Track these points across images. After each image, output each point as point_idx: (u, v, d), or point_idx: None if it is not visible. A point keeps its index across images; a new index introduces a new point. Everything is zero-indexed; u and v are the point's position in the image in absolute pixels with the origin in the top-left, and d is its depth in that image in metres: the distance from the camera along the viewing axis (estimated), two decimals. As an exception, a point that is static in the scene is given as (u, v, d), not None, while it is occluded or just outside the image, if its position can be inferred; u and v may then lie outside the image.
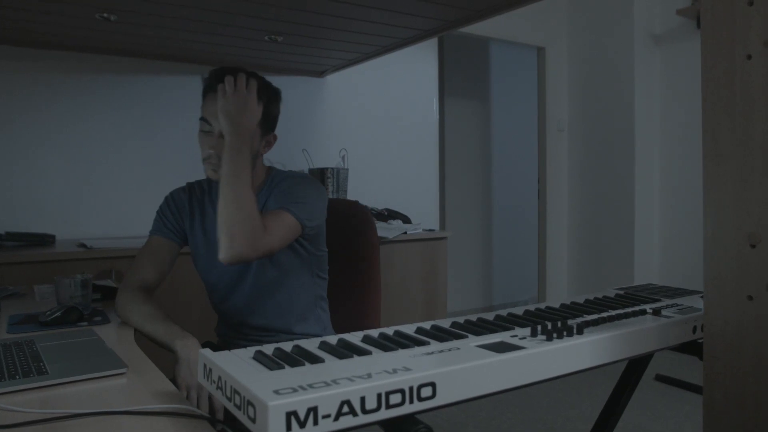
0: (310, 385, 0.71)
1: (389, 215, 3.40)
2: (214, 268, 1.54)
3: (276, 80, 3.46)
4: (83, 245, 2.43)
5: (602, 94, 4.39)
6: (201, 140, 1.48)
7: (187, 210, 1.58)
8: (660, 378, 3.31)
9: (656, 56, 4.23)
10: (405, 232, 3.10)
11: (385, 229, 3.10)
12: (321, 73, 3.40)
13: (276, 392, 0.68)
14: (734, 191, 0.93)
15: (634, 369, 1.42)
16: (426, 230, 3.30)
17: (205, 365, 0.85)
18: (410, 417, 0.75)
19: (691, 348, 1.18)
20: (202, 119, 1.47)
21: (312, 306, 1.60)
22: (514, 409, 2.91)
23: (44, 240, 2.51)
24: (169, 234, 1.55)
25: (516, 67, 5.16)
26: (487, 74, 5.24)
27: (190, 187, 1.62)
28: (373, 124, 3.69)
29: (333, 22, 2.37)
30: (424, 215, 3.83)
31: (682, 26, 4.04)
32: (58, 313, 1.40)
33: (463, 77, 5.06)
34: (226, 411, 0.77)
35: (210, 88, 1.45)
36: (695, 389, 3.04)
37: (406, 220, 3.42)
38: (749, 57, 0.91)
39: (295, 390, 0.69)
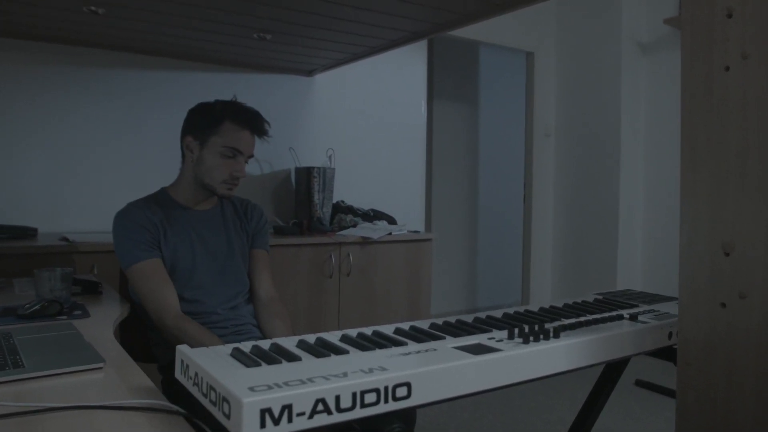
0: (286, 383, 0.71)
1: (375, 216, 3.40)
2: (198, 271, 1.66)
3: (264, 78, 3.47)
4: (65, 239, 2.41)
5: (589, 100, 4.43)
6: (224, 163, 1.64)
7: (157, 224, 1.63)
8: (640, 383, 3.34)
9: (643, 64, 4.27)
10: (390, 233, 3.11)
11: (370, 230, 3.10)
12: (309, 72, 3.40)
13: (251, 389, 0.69)
14: (709, 200, 0.95)
15: (610, 373, 1.44)
16: (411, 231, 3.31)
17: (182, 361, 0.86)
18: (385, 416, 0.76)
19: (667, 353, 1.20)
20: (232, 148, 1.63)
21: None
22: (495, 412, 2.92)
23: (26, 233, 2.49)
24: (155, 253, 1.60)
25: (505, 71, 5.19)
26: (475, 78, 5.27)
27: (144, 204, 1.67)
28: (360, 124, 3.70)
29: (322, 21, 2.37)
30: (410, 217, 3.84)
31: (668, 35, 4.09)
32: (37, 306, 1.39)
33: (452, 80, 5.08)
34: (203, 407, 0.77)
35: (246, 125, 1.65)
36: (675, 395, 3.08)
37: (392, 220, 3.43)
38: (727, 68, 0.93)
39: (270, 387, 0.70)
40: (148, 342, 1.70)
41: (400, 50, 3.02)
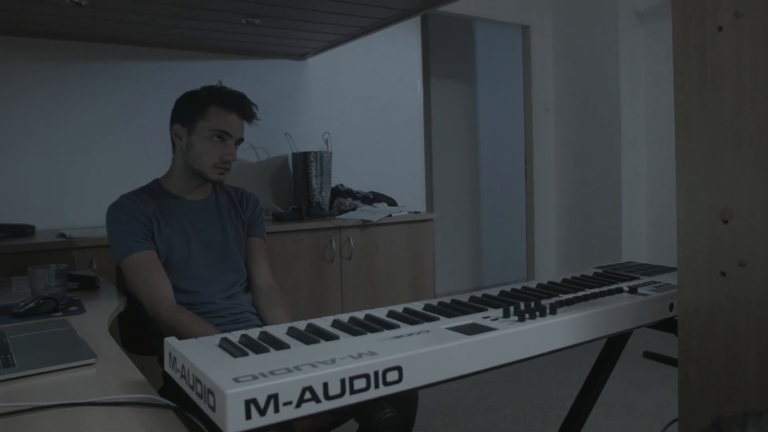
0: (272, 372, 0.69)
1: (374, 198, 3.38)
2: (194, 262, 1.65)
3: (256, 64, 3.42)
4: (63, 235, 2.40)
5: (587, 72, 4.37)
6: (212, 147, 1.62)
7: (150, 216, 1.61)
8: (648, 355, 3.33)
9: (641, 33, 4.21)
10: (390, 215, 3.08)
11: (370, 213, 3.08)
12: (302, 56, 3.36)
13: (235, 380, 0.67)
14: (705, 167, 0.92)
15: (612, 347, 1.42)
16: (411, 212, 3.28)
17: (170, 354, 0.84)
18: (376, 402, 0.74)
19: (668, 325, 1.18)
20: (220, 131, 1.62)
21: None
22: (503, 389, 2.92)
23: (24, 231, 2.48)
24: (149, 244, 1.59)
25: (501, 46, 5.12)
26: (472, 54, 5.20)
27: (137, 196, 1.65)
28: (356, 106, 3.66)
29: (310, 2, 2.33)
30: (411, 198, 3.82)
31: (666, 2, 4.02)
32: (31, 304, 1.38)
33: (448, 58, 5.02)
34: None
35: (233, 108, 1.63)
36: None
37: (392, 202, 3.41)
38: (720, 29, 0.90)
39: (255, 377, 0.68)
40: (148, 334, 1.70)
41: (393, 29, 2.97)
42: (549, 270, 4.75)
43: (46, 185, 2.77)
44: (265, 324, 1.68)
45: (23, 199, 2.71)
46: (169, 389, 1.47)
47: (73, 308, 1.44)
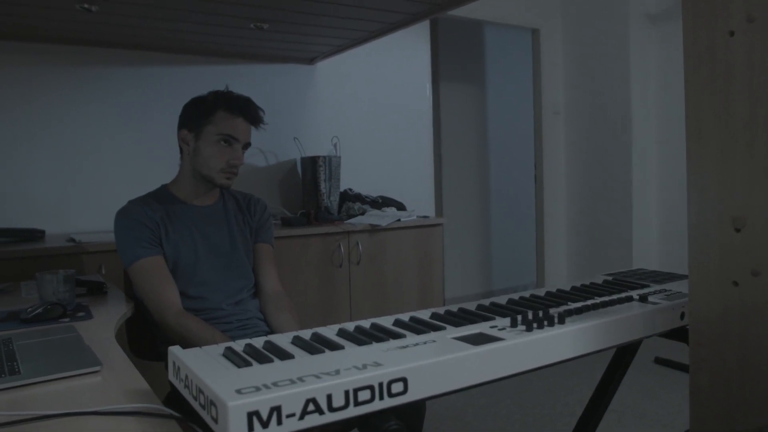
0: (275, 383, 0.68)
1: (383, 203, 3.37)
2: (201, 267, 1.65)
3: (264, 68, 3.43)
4: (72, 240, 2.41)
5: (598, 75, 4.34)
6: (219, 152, 1.63)
7: (158, 221, 1.61)
8: (659, 361, 3.30)
9: (652, 35, 4.17)
10: (398, 220, 3.07)
11: (378, 217, 3.07)
12: (311, 60, 3.35)
13: (238, 392, 0.66)
14: (717, 173, 0.90)
15: (622, 356, 1.40)
16: (420, 217, 3.27)
17: (173, 363, 0.83)
18: (381, 413, 0.73)
19: (680, 334, 1.16)
20: (227, 135, 1.62)
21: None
22: (513, 396, 2.90)
23: (33, 235, 2.49)
24: (156, 250, 1.59)
25: (511, 49, 5.10)
26: (481, 58, 5.19)
27: (144, 202, 1.65)
28: (365, 110, 3.65)
29: (318, 7, 2.33)
30: (420, 202, 3.80)
31: (677, 4, 3.99)
32: (39, 310, 1.38)
33: (457, 61, 5.00)
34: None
35: (239, 112, 1.64)
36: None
37: (401, 207, 3.39)
38: (732, 33, 0.88)
39: (258, 389, 0.67)
40: (156, 340, 1.70)
41: (402, 33, 2.96)
42: (559, 275, 4.71)
43: (56, 190, 2.79)
44: (272, 330, 1.67)
45: (33, 203, 2.73)
46: (177, 396, 1.47)
47: (81, 314, 1.44)
